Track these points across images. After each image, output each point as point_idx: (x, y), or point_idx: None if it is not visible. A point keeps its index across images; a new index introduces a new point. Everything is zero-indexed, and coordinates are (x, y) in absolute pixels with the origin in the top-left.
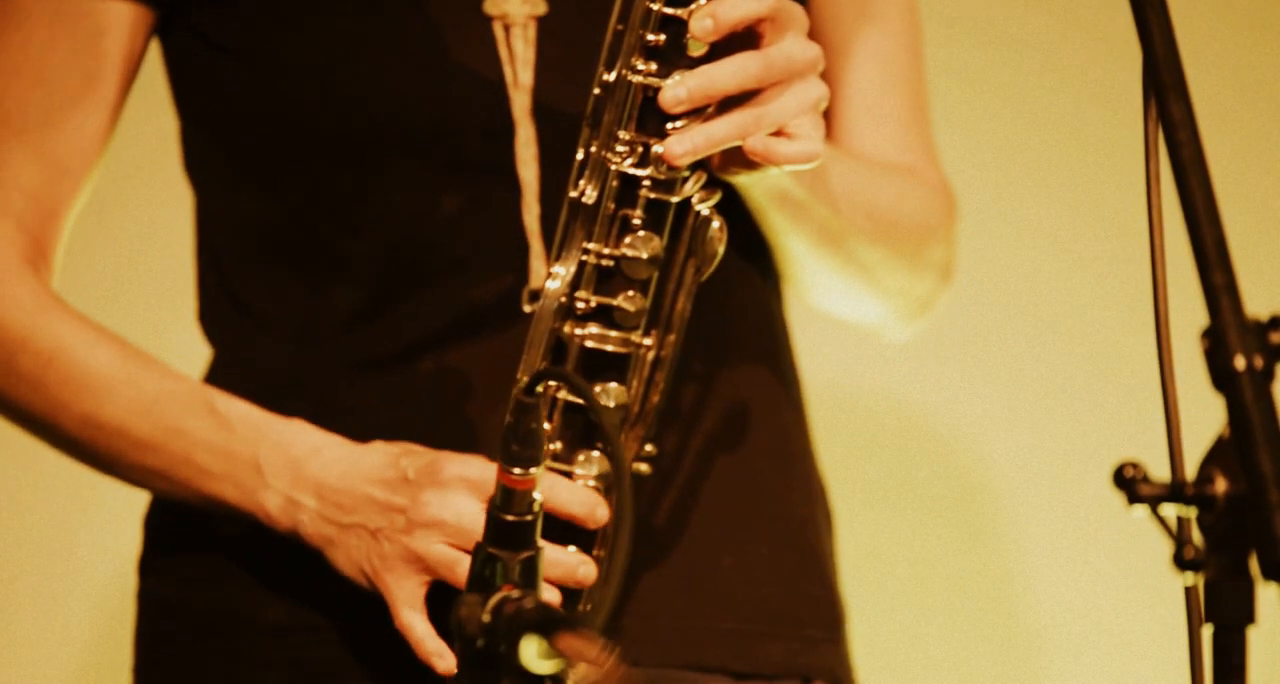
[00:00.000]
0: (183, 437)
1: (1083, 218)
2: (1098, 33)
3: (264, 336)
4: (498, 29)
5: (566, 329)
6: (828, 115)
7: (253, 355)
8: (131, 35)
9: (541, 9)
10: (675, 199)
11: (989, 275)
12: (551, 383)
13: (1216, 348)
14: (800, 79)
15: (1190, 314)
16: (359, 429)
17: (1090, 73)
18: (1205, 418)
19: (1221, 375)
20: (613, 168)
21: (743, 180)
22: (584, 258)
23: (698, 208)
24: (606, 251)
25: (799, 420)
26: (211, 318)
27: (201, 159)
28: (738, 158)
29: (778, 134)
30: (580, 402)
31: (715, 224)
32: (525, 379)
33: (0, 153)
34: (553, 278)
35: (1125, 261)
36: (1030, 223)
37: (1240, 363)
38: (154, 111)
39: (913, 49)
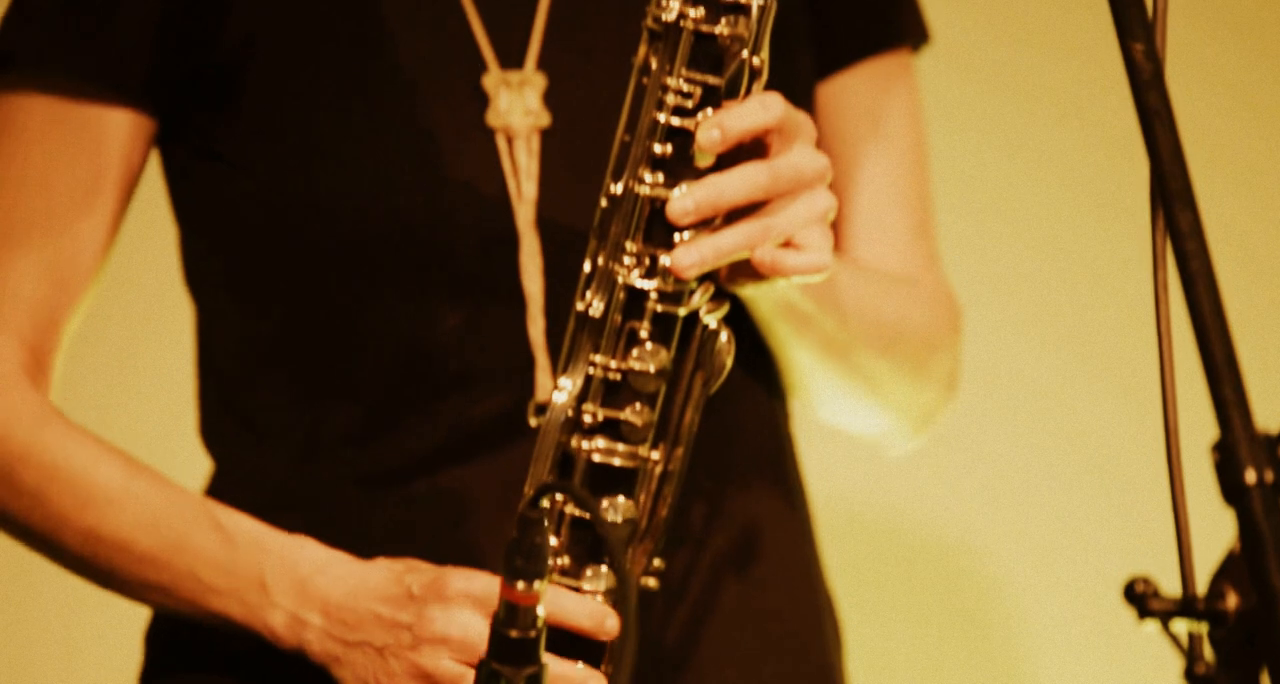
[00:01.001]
0: (186, 552)
1: (1093, 329)
2: (1105, 141)
3: (265, 450)
4: (500, 141)
5: (574, 443)
6: (833, 227)
7: (253, 469)
8: (132, 145)
9: (545, 121)
10: (683, 311)
11: (999, 386)
12: (558, 497)
13: (1227, 461)
14: (808, 189)
15: (1200, 425)
16: (361, 546)
17: (1095, 182)
18: (1216, 532)
19: (1232, 489)
20: (619, 280)
21: (749, 292)
22: (591, 371)
23: (705, 320)
24: (613, 365)
25: (805, 534)
26: (212, 431)
27: (201, 270)
28: (745, 269)
29: (786, 245)
30: (587, 516)
31: (723, 336)
32: (530, 493)
33: (1, 264)
34: (559, 390)
35: (1134, 373)
36: (1041, 333)
37: (1251, 477)
38: (155, 219)
39: (920, 164)
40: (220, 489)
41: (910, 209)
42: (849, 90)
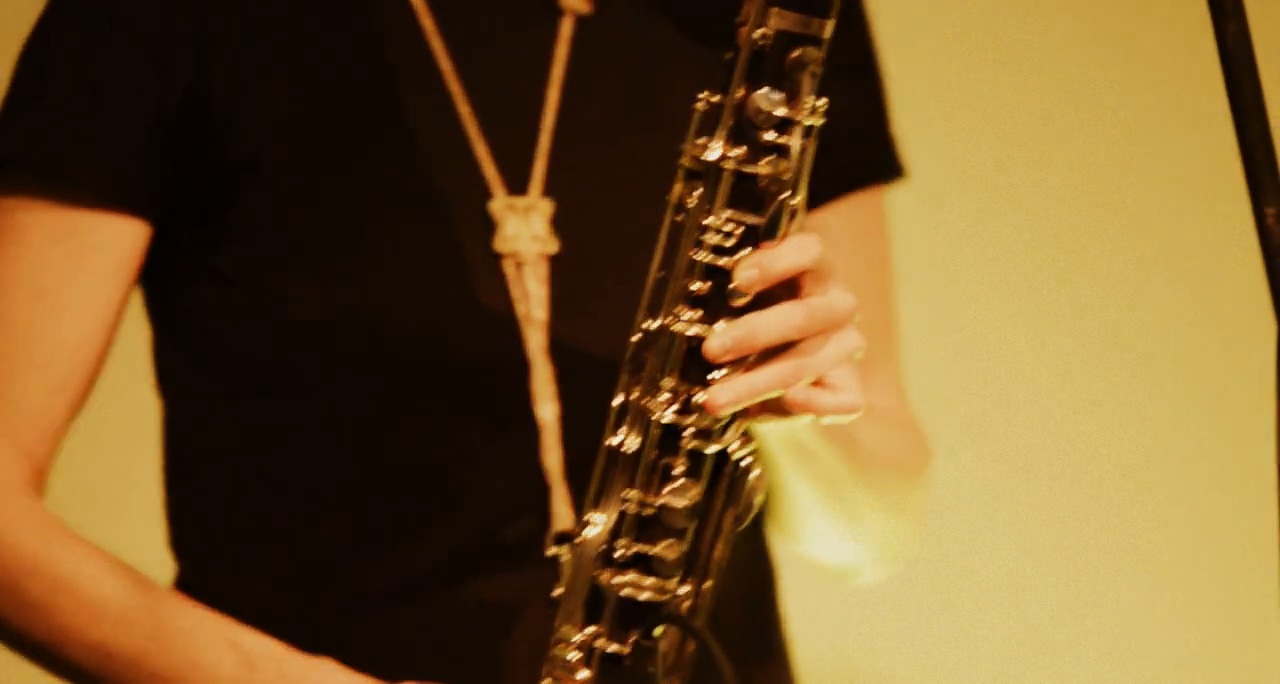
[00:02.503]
0: (201, 671)
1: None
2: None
3: (244, 567)
4: (509, 267)
5: (604, 577)
6: None
7: (228, 586)
8: (129, 250)
9: (553, 247)
10: (715, 448)
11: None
12: (589, 630)
13: None
14: (838, 329)
15: None
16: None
17: (1229, 340)
18: None
19: None
20: (655, 417)
21: (767, 427)
22: (624, 507)
23: (736, 456)
24: (646, 500)
25: (781, 675)
26: (186, 544)
27: (181, 379)
28: (771, 406)
29: (816, 384)
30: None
31: (754, 473)
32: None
33: (2, 372)
34: (591, 525)
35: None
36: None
37: None
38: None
39: (891, 296)
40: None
41: (884, 341)
42: (824, 225)
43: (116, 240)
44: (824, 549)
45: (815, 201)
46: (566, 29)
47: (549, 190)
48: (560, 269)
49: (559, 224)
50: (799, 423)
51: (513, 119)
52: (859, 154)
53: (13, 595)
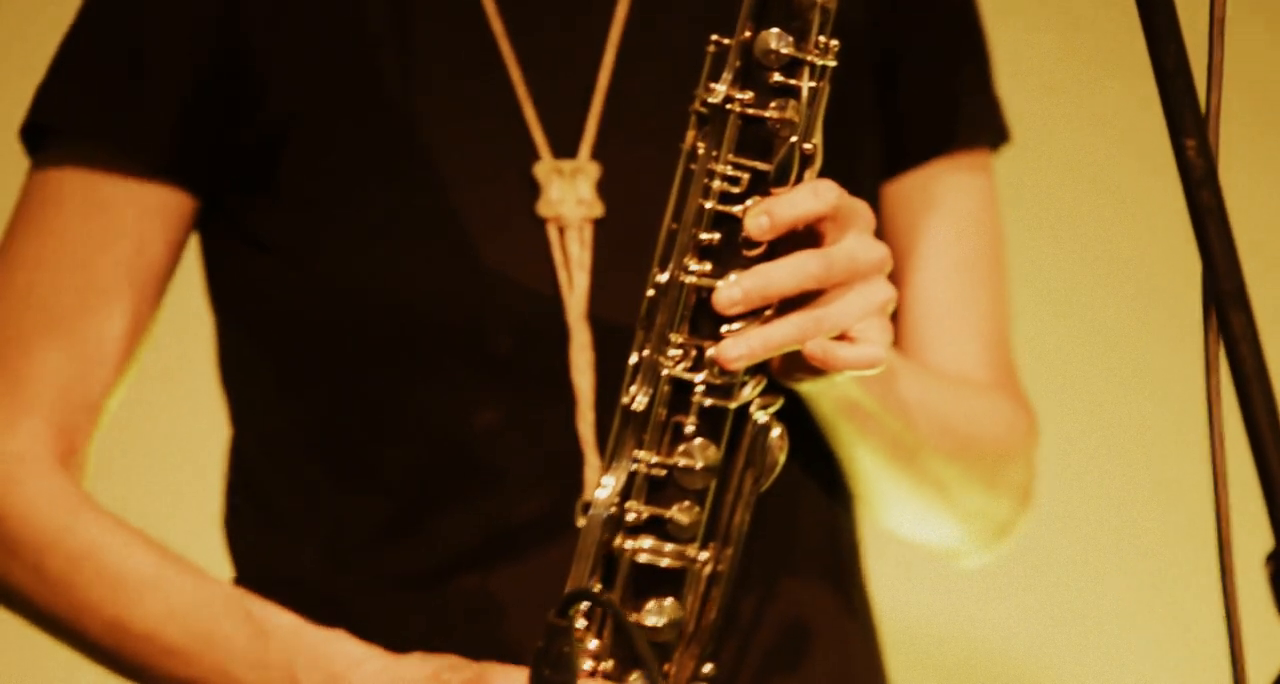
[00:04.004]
0: (216, 645)
1: (1146, 437)
2: (1156, 238)
3: (289, 547)
4: (551, 231)
5: (617, 542)
6: (900, 326)
7: (276, 567)
8: (170, 221)
9: (598, 211)
10: (732, 405)
11: (1059, 499)
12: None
13: None
14: (864, 280)
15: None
16: (391, 650)
17: (1147, 284)
18: (1272, 645)
19: None
20: (664, 372)
21: (808, 388)
22: (634, 467)
23: (755, 415)
24: (657, 460)
25: (866, 646)
26: (236, 525)
27: (236, 362)
28: (801, 363)
29: (841, 337)
30: (631, 618)
31: (775, 432)
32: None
33: (31, 344)
34: (601, 488)
35: (1187, 482)
36: (1096, 449)
37: None
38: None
39: (996, 267)
40: (244, 585)
41: (982, 313)
42: (918, 189)
43: (157, 209)
44: (913, 525)
45: (905, 163)
46: None
47: (598, 154)
48: (604, 234)
49: (605, 188)
50: (837, 383)
51: (565, 81)
52: (953, 113)
53: (34, 572)
